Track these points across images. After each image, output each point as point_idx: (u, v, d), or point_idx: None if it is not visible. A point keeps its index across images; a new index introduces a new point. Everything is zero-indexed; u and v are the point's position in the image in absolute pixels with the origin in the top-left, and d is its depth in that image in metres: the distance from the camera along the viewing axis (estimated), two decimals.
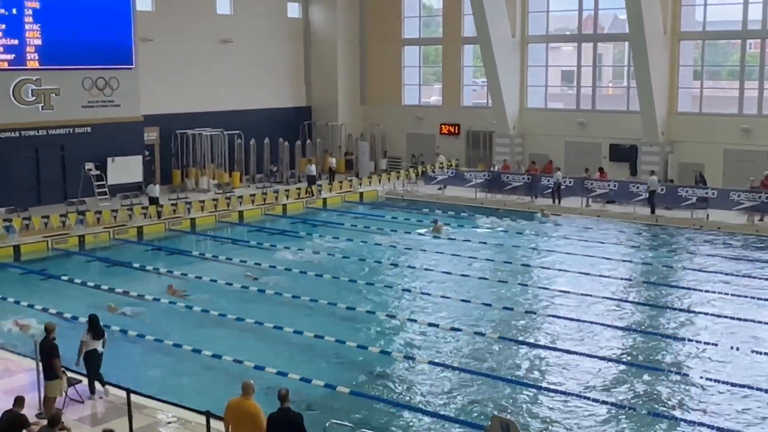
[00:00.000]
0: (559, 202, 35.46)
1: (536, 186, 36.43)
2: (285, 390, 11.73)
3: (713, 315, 21.08)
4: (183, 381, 17.04)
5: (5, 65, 32.38)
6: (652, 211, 33.26)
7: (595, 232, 31.40)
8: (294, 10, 45.15)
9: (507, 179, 37.45)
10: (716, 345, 18.85)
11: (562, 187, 35.71)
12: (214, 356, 17.95)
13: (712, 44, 38.57)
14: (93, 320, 15.66)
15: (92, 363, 15.39)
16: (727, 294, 22.89)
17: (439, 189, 39.02)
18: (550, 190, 35.90)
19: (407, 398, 16.21)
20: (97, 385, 15.45)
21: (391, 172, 40.57)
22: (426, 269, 25.87)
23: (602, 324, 20.44)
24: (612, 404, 15.74)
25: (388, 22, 45.26)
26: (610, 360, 18.13)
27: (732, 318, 20.77)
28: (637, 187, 34.23)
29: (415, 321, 20.81)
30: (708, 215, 32.08)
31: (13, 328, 19.88)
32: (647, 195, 33.44)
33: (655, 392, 16.46)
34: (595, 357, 18.19)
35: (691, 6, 37.51)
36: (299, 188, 36.81)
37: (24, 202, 31.79)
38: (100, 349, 15.45)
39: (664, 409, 15.70)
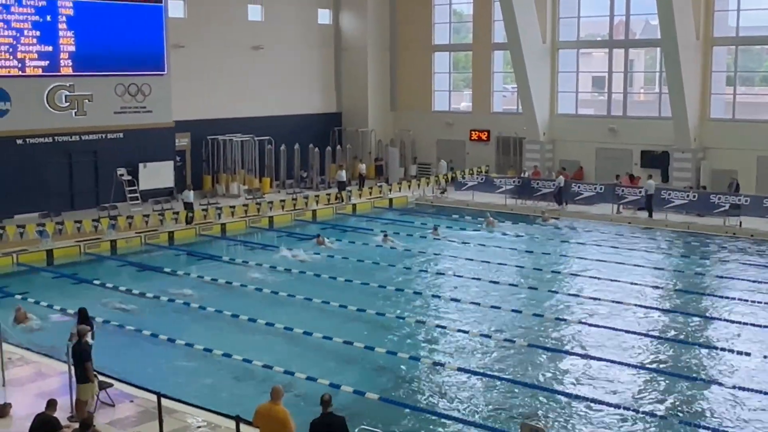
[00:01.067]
0: (565, 205, 35.92)
1: (567, 192, 36.27)
2: (328, 395, 11.82)
3: (746, 324, 20.83)
4: (213, 385, 17.11)
5: (40, 71, 32.76)
6: (650, 215, 33.64)
7: (626, 239, 31.20)
8: (324, 17, 45.31)
9: (537, 185, 37.31)
10: (749, 354, 18.63)
11: (563, 191, 36.26)
12: (244, 361, 18.02)
13: (745, 50, 38.24)
14: (83, 313, 16.56)
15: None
16: (759, 302, 22.63)
17: (442, 193, 39.42)
18: (552, 193, 36.45)
19: (436, 404, 16.18)
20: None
21: (420, 178, 40.58)
22: (455, 275, 25.83)
23: (633, 332, 20.27)
24: (643, 413, 15.59)
25: (418, 28, 45.30)
26: (640, 368, 17.98)
27: (765, 327, 20.52)
28: (669, 194, 33.98)
29: (444, 327, 20.77)
30: (741, 222, 31.77)
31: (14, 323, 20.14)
32: (645, 199, 33.79)
33: (687, 401, 16.30)
34: (625, 365, 18.04)
35: (724, 11, 37.23)
36: (329, 194, 36.92)
37: (57, 207, 32.16)
38: (90, 340, 15.73)
39: (696, 418, 15.53)
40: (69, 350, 14.70)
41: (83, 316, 16.56)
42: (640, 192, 34.61)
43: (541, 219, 34.42)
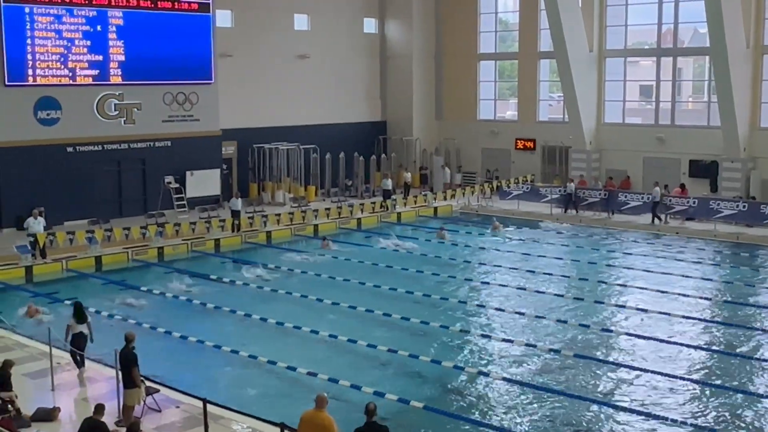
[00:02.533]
0: (576, 212, 36.45)
1: (613, 202, 35.94)
2: (373, 405, 11.82)
3: None
4: (257, 392, 17.20)
5: (90, 80, 33.30)
6: (653, 221, 34.31)
7: (674, 249, 30.84)
8: (370, 26, 45.46)
9: (583, 195, 37.03)
10: None
11: (573, 198, 36.77)
12: (289, 368, 18.09)
13: None
14: (77, 307, 17.59)
15: (78, 344, 17.15)
16: None
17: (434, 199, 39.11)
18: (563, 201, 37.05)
19: (481, 414, 16.09)
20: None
21: (465, 186, 40.48)
22: (500, 285, 25.71)
23: (681, 343, 20.01)
24: (691, 425, 15.37)
25: (463, 36, 45.26)
26: (688, 380, 17.71)
27: None
28: (718, 204, 33.52)
29: (488, 336, 20.68)
30: None
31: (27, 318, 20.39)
32: (651, 205, 34.30)
33: (737, 415, 16.01)
34: (673, 377, 17.78)
35: None
36: (374, 202, 36.97)
37: (106, 214, 32.65)
38: (85, 331, 17.23)
39: None
40: (117, 356, 14.86)
41: (78, 310, 17.43)
42: (688, 202, 34.22)
43: (492, 228, 33.64)
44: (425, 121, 46.07)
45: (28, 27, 31.63)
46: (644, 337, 20.41)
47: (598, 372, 18.31)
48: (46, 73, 32.26)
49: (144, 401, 15.05)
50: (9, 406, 14.82)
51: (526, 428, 15.42)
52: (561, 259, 29.31)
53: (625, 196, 35.98)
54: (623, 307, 23.23)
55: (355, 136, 43.79)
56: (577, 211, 36.40)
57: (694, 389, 17.31)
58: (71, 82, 32.87)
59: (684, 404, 16.51)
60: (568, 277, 26.77)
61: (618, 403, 16.45)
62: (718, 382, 17.70)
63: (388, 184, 38.67)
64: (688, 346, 19.92)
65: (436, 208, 38.36)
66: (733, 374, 18.16)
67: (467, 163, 45.15)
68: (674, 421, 15.48)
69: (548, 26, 39.81)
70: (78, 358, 17.15)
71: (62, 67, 32.58)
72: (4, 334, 19.22)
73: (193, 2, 35.66)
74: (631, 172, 39.41)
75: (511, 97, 46.53)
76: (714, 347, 20.03)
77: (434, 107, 46.63)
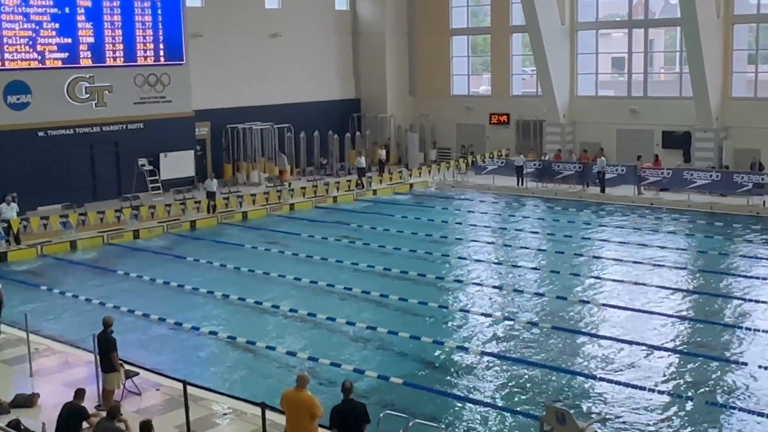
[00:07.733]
0: (525, 185, 37.11)
1: (588, 174, 36.11)
2: (349, 382, 11.88)
3: None
4: (237, 372, 17.21)
5: (59, 63, 32.91)
6: (602, 190, 35.29)
7: (649, 220, 31.07)
8: (342, 3, 45.19)
9: (558, 168, 37.19)
10: None
11: (525, 171, 37.27)
12: (268, 348, 18.12)
13: (767, 27, 37.76)
14: None
15: None
16: None
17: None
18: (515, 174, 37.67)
19: (460, 388, 16.18)
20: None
21: (441, 162, 40.52)
22: (477, 260, 25.82)
23: (657, 313, 20.19)
24: (669, 394, 15.55)
25: (435, 12, 45.10)
26: (665, 349, 17.89)
27: None
28: (692, 174, 33.77)
29: (467, 311, 20.77)
30: (765, 201, 31.55)
31: None
32: (597, 176, 35.34)
33: (713, 382, 16.21)
34: (649, 346, 17.96)
35: None
36: (349, 180, 36.94)
37: (80, 198, 32.39)
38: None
39: (722, 399, 15.45)
40: (95, 340, 14.81)
41: None
42: (662, 173, 34.44)
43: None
44: (399, 98, 45.97)
45: None
46: (620, 308, 20.59)
47: (575, 343, 18.44)
48: (15, 57, 31.83)
49: (124, 385, 15.03)
50: None
51: (506, 401, 15.52)
52: (537, 233, 29.45)
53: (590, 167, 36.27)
54: (599, 278, 23.39)
55: (329, 114, 43.61)
56: (525, 184, 37.05)
57: (671, 358, 17.50)
58: (40, 65, 32.47)
59: (660, 372, 16.68)
60: (545, 250, 26.92)
61: (597, 374, 16.58)
62: (695, 349, 17.88)
63: (363, 161, 38.62)
64: (663, 315, 20.10)
65: (411, 184, 38.39)
66: (709, 342, 18.37)
67: (442, 139, 45.15)
68: (651, 390, 15.64)
69: (520, 0, 39.75)
70: None
71: (31, 50, 32.16)
72: None
73: None
74: (604, 145, 39.53)
75: (485, 72, 46.50)
76: (689, 316, 20.24)
77: (408, 84, 46.52)
